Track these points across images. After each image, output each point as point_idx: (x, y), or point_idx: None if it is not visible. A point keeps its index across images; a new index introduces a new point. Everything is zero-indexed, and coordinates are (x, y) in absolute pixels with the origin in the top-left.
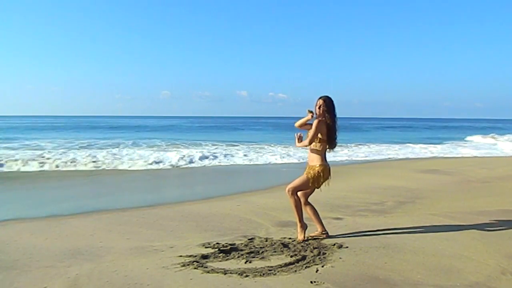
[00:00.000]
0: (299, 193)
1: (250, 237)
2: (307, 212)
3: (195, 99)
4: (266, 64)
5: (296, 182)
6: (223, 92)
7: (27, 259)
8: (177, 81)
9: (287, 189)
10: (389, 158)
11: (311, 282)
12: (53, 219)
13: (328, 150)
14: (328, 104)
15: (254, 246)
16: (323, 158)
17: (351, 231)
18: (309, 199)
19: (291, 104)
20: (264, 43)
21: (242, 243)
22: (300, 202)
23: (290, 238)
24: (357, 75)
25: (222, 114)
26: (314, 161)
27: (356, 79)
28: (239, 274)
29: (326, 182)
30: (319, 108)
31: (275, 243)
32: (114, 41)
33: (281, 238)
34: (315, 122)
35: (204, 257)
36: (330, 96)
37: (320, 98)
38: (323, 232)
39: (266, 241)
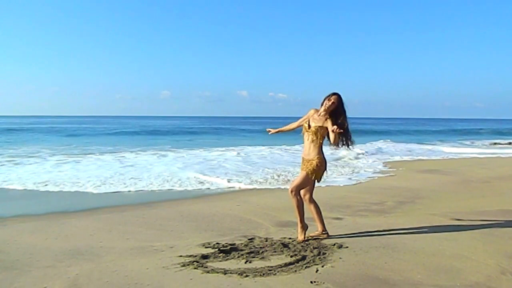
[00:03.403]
0: (302, 191)
1: (250, 237)
2: (310, 210)
3: (195, 99)
4: (266, 64)
5: (297, 181)
6: (223, 92)
7: (27, 259)
8: (177, 81)
9: (290, 189)
10: (389, 158)
11: (311, 282)
12: (53, 218)
13: (346, 147)
14: (340, 100)
15: (254, 246)
16: (320, 150)
17: (351, 231)
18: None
19: (291, 104)
20: (264, 43)
21: (242, 243)
22: (302, 203)
23: (290, 238)
24: (357, 75)
25: (222, 114)
26: (311, 154)
27: (356, 79)
28: (239, 274)
29: (323, 174)
30: (331, 102)
31: (275, 243)
32: (114, 41)
33: (281, 238)
34: (329, 121)
35: (204, 257)
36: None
37: (333, 94)
38: (323, 232)
39: (266, 241)
